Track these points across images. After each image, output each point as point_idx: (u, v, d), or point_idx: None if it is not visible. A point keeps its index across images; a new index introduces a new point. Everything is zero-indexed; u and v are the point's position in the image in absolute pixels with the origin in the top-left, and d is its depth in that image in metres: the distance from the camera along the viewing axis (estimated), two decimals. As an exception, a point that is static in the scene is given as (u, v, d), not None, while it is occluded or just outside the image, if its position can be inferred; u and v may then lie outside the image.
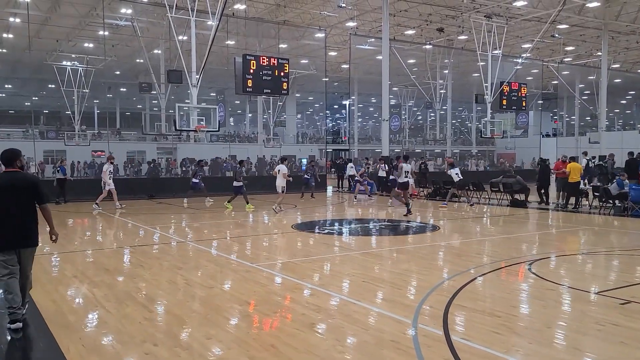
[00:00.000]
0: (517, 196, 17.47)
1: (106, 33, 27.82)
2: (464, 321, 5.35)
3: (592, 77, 36.86)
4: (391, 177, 21.47)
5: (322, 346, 4.64)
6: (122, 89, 48.27)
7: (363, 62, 40.51)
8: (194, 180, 18.60)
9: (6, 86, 49.30)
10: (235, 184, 16.71)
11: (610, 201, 14.91)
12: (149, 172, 27.53)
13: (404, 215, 14.43)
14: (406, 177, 15.05)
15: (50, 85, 41.09)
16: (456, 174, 16.87)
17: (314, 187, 21.17)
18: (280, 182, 15.25)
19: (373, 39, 31.26)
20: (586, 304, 6.17)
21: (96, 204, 16.16)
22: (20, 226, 5.16)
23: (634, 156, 18.36)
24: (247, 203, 16.58)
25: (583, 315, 5.62)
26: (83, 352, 4.48)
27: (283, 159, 16.74)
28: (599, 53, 32.33)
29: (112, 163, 17.28)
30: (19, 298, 5.09)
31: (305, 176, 21.38)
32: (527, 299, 6.32)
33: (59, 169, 19.15)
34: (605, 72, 30.68)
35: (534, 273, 7.53)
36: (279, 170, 15.43)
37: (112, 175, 16.61)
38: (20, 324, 5.04)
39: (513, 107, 25.66)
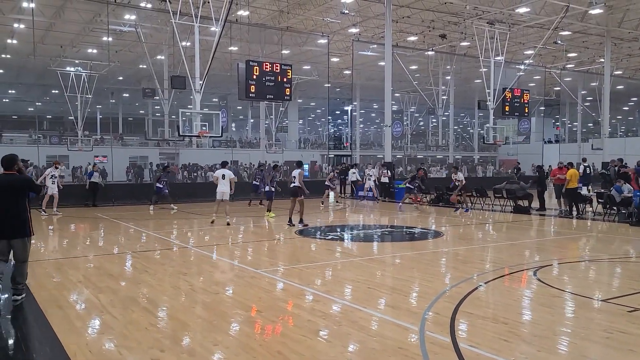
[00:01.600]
0: (520, 202, 17.44)
1: (110, 39, 28.01)
2: (471, 328, 5.33)
3: (594, 84, 36.92)
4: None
5: (329, 353, 4.62)
6: (125, 95, 48.49)
7: (365, 68, 40.65)
8: (158, 185, 18.11)
9: (10, 91, 49.55)
10: (267, 188, 16.47)
11: (615, 208, 14.87)
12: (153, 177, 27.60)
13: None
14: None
15: (53, 91, 41.33)
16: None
17: (262, 195, 19.13)
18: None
19: (375, 45, 31.40)
20: (593, 311, 6.14)
21: (43, 210, 15.94)
22: (12, 220, 5.97)
23: (623, 163, 18.47)
24: (269, 211, 15.99)
25: (590, 322, 5.59)
26: (90, 358, 4.47)
27: (299, 164, 15.06)
28: (602, 60, 32.39)
29: (57, 167, 17.07)
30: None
31: (254, 182, 19.76)
32: (534, 306, 6.29)
33: (90, 173, 19.47)
34: (608, 79, 30.72)
35: (539, 280, 7.50)
36: (296, 175, 14.71)
37: (55, 180, 16.31)
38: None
39: (515, 114, 25.70)
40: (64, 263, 8.83)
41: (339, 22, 29.04)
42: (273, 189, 16.32)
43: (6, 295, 6.28)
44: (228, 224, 13.68)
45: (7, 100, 52.65)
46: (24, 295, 6.18)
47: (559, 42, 29.59)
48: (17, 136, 42.95)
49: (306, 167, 39.02)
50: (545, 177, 19.37)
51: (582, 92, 43.24)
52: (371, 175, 22.42)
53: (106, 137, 41.40)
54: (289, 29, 28.43)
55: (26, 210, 6.06)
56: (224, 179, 13.66)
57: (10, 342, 5.05)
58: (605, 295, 6.82)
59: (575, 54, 36.24)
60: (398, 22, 27.54)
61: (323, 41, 29.92)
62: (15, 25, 27.40)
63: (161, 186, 18.04)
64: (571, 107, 49.24)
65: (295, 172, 13.37)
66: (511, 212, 17.15)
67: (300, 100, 50.53)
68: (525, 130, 44.83)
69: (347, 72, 40.30)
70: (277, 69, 18.29)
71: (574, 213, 15.85)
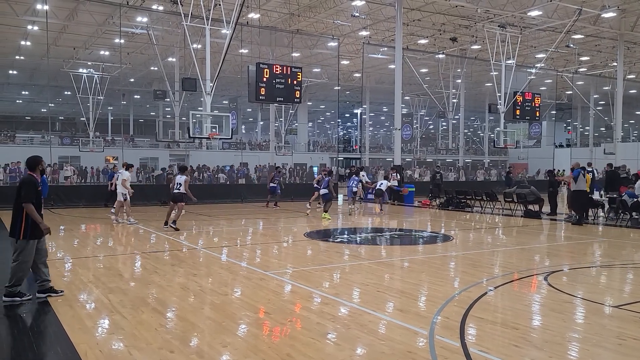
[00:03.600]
0: (530, 207, 17.31)
1: (122, 41, 28.22)
2: (481, 333, 5.29)
3: (607, 88, 36.57)
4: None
5: (338, 356, 4.61)
6: (136, 96, 48.85)
7: (375, 71, 40.63)
8: (272, 184, 19.12)
9: (23, 93, 50.12)
10: (322, 192, 16.67)
11: (627, 213, 14.70)
12: (163, 179, 27.75)
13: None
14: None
15: (66, 92, 41.75)
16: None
17: (278, 195, 19.93)
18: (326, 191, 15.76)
19: (386, 48, 31.35)
20: (605, 317, 6.07)
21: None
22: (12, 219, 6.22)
23: (613, 168, 18.29)
24: (326, 212, 16.41)
25: (602, 329, 5.52)
26: (100, 358, 4.50)
27: (183, 169, 14.45)
28: (615, 63, 32.09)
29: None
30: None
31: (272, 185, 19.99)
32: (545, 312, 6.23)
33: (110, 175, 19.63)
34: (620, 83, 30.42)
35: (550, 285, 7.43)
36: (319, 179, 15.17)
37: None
38: (41, 295, 6.27)
39: (526, 117, 25.54)
40: (75, 263, 8.90)
41: (350, 25, 29.06)
42: (327, 190, 16.56)
43: (30, 296, 6.31)
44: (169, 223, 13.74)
45: (20, 101, 53.30)
46: (13, 299, 6.14)
47: (571, 45, 29.36)
48: (30, 137, 43.46)
49: (315, 169, 39.03)
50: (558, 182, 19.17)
51: (595, 96, 42.85)
52: (382, 183, 22.19)
53: (117, 138, 41.72)
54: (299, 32, 28.48)
55: (19, 211, 6.12)
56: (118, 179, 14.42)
57: (22, 340, 5.09)
58: (617, 301, 6.74)
59: (588, 58, 35.94)
60: (409, 25, 27.49)
61: (333, 44, 29.95)
62: (29, 27, 27.72)
63: (275, 185, 19.15)
64: (583, 111, 48.80)
65: (181, 179, 13.17)
66: (522, 216, 17.02)
67: (310, 103, 50.61)
68: (536, 134, 44.51)
69: (357, 74, 40.33)
70: (287, 72, 18.34)
71: (589, 218, 15.69)
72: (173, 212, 13.32)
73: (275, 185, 19.83)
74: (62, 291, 6.52)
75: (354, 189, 18.83)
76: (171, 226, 12.90)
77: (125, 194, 14.36)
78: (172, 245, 11.07)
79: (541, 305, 6.54)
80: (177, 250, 10.52)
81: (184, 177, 13.16)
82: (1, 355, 4.75)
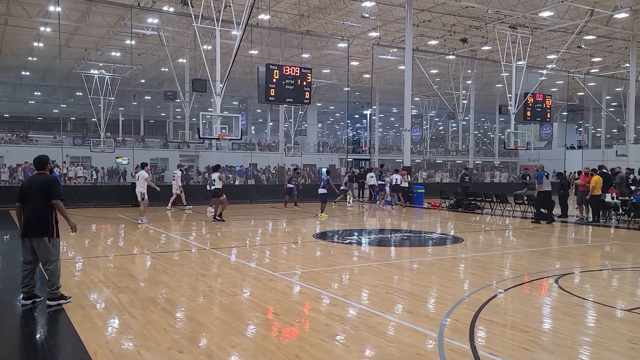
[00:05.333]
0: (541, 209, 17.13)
1: (133, 42, 28.43)
2: (490, 335, 5.26)
3: (619, 89, 36.22)
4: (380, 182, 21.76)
5: (347, 357, 4.60)
6: (146, 97, 49.17)
7: (385, 72, 40.56)
8: (289, 185, 19.68)
9: (36, 93, 50.65)
10: (320, 191, 17.13)
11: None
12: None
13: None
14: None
15: (77, 93, 42.13)
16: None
17: (296, 196, 20.35)
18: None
19: (395, 49, 31.27)
20: (616, 321, 6.00)
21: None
22: (33, 219, 6.00)
23: (602, 170, 18.07)
24: (322, 212, 16.93)
25: (614, 332, 5.46)
26: (110, 357, 4.53)
27: (327, 171, 15.80)
28: (627, 64, 31.74)
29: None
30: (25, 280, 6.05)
31: (289, 185, 20.49)
32: (556, 315, 6.17)
33: (134, 174, 20.00)
34: (633, 84, 30.08)
35: (561, 288, 7.37)
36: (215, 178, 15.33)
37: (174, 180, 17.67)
38: (27, 302, 6.01)
39: (537, 119, 25.34)
40: (85, 262, 8.97)
41: (359, 26, 29.03)
42: (325, 190, 17.09)
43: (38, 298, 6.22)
44: (215, 216, 15.08)
45: (33, 102, 53.88)
46: (59, 302, 6.01)
47: (583, 46, 29.11)
48: (42, 137, 43.94)
49: (324, 170, 39.04)
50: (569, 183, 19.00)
51: (607, 98, 42.43)
52: (397, 178, 22.17)
53: (128, 139, 42.04)
54: (309, 33, 28.51)
55: (48, 210, 6.00)
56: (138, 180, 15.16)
57: (34, 339, 5.14)
58: (629, 304, 6.66)
59: (600, 59, 35.60)
60: (419, 26, 27.42)
61: (343, 45, 29.95)
62: (42, 28, 28.01)
63: (292, 186, 19.64)
64: (595, 113, 48.35)
65: (215, 176, 15.10)
66: (532, 219, 16.88)
67: (320, 104, 50.64)
68: (547, 135, 44.13)
69: (366, 75, 40.28)
70: (297, 73, 18.36)
71: (601, 220, 15.55)
72: (215, 206, 15.16)
73: (293, 186, 20.26)
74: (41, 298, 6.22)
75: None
76: (217, 219, 14.54)
77: (144, 194, 14.62)
78: (181, 246, 11.13)
79: (552, 308, 6.49)
80: (186, 250, 10.57)
81: (217, 174, 15.11)
82: (13, 354, 4.80)
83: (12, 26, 28.30)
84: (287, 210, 19.13)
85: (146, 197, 14.66)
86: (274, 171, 37.35)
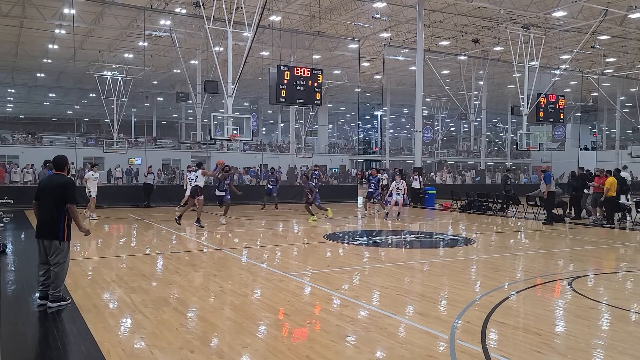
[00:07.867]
0: (554, 210, 16.99)
1: (145, 44, 28.69)
2: (502, 338, 5.22)
3: (634, 89, 35.79)
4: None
5: (357, 359, 4.59)
6: (159, 98, 49.60)
7: (396, 72, 40.48)
8: (269, 186, 19.66)
9: (50, 95, 51.30)
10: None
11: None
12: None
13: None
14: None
15: (91, 95, 42.63)
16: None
17: (276, 198, 20.06)
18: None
19: (407, 50, 31.22)
20: (631, 324, 5.93)
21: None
22: (45, 220, 6.02)
23: (584, 171, 17.85)
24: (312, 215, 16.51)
25: (628, 336, 5.39)
26: (123, 356, 4.57)
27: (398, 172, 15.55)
28: (642, 65, 31.38)
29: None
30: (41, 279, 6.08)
31: (269, 186, 20.11)
32: (569, 317, 6.12)
33: (146, 175, 20.43)
34: (648, 84, 29.73)
35: (574, 290, 7.30)
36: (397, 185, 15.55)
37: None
38: (42, 301, 6.03)
39: (550, 120, 25.13)
40: (99, 262, 9.06)
41: (371, 27, 29.00)
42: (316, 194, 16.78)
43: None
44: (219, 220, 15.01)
45: (47, 103, 54.59)
46: (60, 304, 6.00)
47: (597, 46, 28.79)
48: (56, 138, 44.48)
49: (335, 170, 39.06)
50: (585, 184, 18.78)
51: (621, 98, 41.95)
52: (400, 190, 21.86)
53: (140, 140, 42.37)
54: (320, 34, 28.55)
55: (60, 213, 5.98)
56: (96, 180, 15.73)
57: (47, 338, 5.21)
58: (644, 308, 6.58)
59: (614, 59, 35.20)
60: (430, 26, 27.32)
61: (354, 46, 29.94)
62: (57, 31, 28.39)
63: (271, 187, 19.64)
64: (609, 114, 47.78)
65: (197, 173, 14.33)
66: (544, 221, 16.73)
67: (330, 105, 50.63)
68: (560, 136, 43.74)
69: (377, 76, 40.22)
70: (308, 74, 18.38)
71: (616, 223, 15.36)
72: (188, 207, 14.69)
73: (272, 187, 20.05)
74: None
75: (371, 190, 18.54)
76: (196, 224, 13.94)
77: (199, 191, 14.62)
78: (193, 246, 11.19)
79: (565, 310, 6.43)
80: (198, 250, 10.63)
81: (200, 170, 14.50)
82: (28, 352, 4.87)
83: (27, 28, 28.70)
84: (298, 212, 19.13)
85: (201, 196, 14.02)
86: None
